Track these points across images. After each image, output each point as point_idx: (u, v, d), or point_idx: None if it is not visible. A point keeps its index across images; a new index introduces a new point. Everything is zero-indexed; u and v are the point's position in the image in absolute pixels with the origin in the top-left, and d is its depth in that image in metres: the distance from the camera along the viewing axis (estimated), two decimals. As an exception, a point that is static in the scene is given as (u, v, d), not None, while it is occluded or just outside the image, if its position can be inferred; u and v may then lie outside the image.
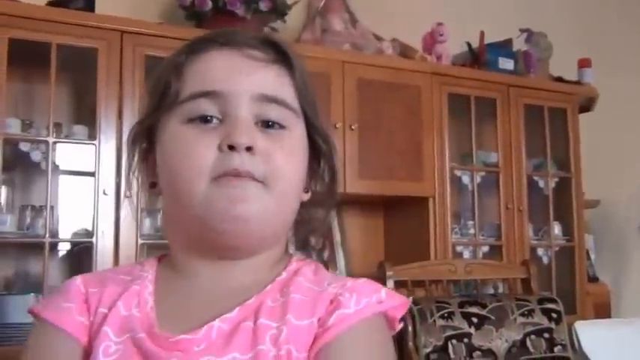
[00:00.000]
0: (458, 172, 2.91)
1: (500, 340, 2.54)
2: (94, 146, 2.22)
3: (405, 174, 2.71)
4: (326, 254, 2.83)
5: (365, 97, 2.64)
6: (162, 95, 0.72)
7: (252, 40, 0.74)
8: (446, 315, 2.49)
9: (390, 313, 0.70)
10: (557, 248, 3.07)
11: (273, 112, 0.71)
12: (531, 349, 2.58)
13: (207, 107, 0.70)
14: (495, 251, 2.95)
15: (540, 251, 3.06)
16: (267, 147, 0.70)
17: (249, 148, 0.69)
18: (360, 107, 2.63)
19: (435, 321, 2.46)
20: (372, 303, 0.68)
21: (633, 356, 2.79)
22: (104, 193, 2.21)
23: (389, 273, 2.56)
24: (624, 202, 3.29)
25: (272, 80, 0.72)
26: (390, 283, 2.55)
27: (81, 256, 2.30)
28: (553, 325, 2.64)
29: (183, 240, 0.74)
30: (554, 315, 2.66)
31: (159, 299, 0.72)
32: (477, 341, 2.50)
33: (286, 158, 0.71)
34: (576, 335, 2.77)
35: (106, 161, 2.23)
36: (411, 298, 0.73)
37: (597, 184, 3.31)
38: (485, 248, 2.94)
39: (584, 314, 3.03)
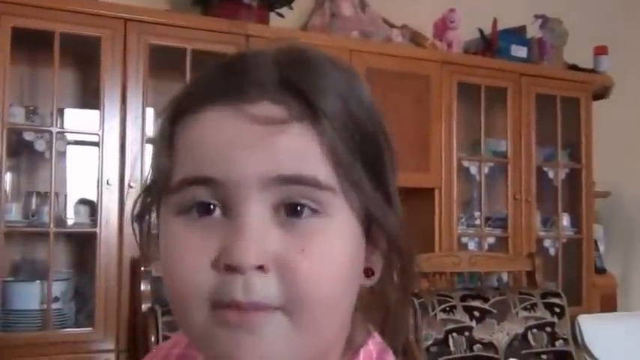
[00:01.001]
0: (465, 163, 2.88)
1: (501, 334, 2.55)
2: (97, 136, 2.23)
3: (412, 165, 2.69)
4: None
5: (373, 87, 2.57)
6: (156, 169, 0.55)
7: (262, 88, 0.50)
8: (447, 309, 2.49)
9: None
10: (564, 240, 3.05)
11: (298, 195, 0.50)
12: (532, 343, 2.58)
13: (202, 194, 0.50)
14: (502, 242, 2.93)
15: (547, 242, 3.03)
16: (286, 254, 0.49)
17: (260, 267, 0.49)
18: (368, 97, 2.60)
19: (436, 314, 2.46)
20: None
21: (635, 350, 2.78)
22: (108, 184, 2.22)
23: (392, 264, 2.56)
24: (636, 192, 3.25)
25: (291, 151, 0.49)
26: (393, 275, 2.55)
27: (85, 245, 2.32)
28: (555, 320, 2.64)
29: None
30: (557, 309, 2.65)
31: None
32: (477, 334, 2.51)
33: (318, 266, 0.49)
34: (579, 329, 2.77)
35: (109, 152, 2.24)
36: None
37: (610, 173, 3.27)
38: (492, 239, 2.93)
39: (590, 306, 3.02)
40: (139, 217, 0.57)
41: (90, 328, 2.20)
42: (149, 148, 2.30)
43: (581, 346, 2.74)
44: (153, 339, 2.06)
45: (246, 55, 0.53)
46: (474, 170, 2.90)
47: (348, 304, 0.54)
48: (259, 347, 0.49)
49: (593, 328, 2.79)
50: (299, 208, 0.49)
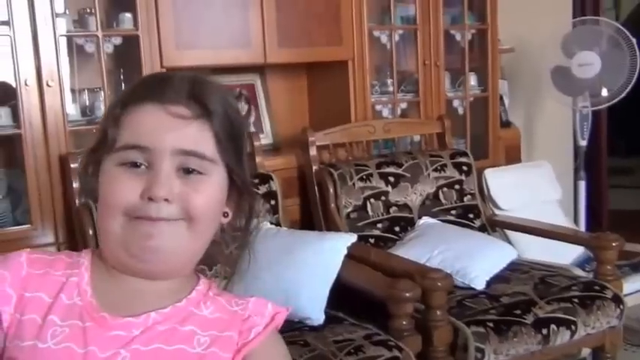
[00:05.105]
0: (376, 32, 2.96)
1: (414, 195, 2.79)
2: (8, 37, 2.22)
3: (324, 39, 2.76)
4: (252, 119, 2.95)
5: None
6: (104, 138, 0.85)
7: (179, 96, 0.84)
8: (364, 177, 2.69)
9: (278, 320, 0.91)
10: (472, 98, 3.25)
11: (192, 163, 0.83)
12: (443, 201, 2.84)
13: (136, 156, 0.82)
14: (414, 107, 3.10)
15: (456, 102, 3.22)
16: (184, 192, 0.82)
17: (166, 199, 0.81)
18: (276, -27, 2.61)
19: (354, 183, 2.66)
20: (270, 319, 0.89)
21: (530, 196, 3.10)
22: (26, 84, 2.23)
23: (311, 139, 2.71)
24: (538, 46, 3.42)
25: (192, 136, 0.83)
26: (313, 149, 2.71)
27: (11, 147, 2.37)
28: (463, 177, 2.89)
29: (110, 254, 0.86)
30: (464, 168, 2.90)
31: (96, 288, 0.86)
32: (393, 198, 2.74)
33: (202, 199, 0.83)
34: (485, 182, 3.05)
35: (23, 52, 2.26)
36: (289, 307, 0.94)
37: (513, 29, 3.42)
38: (404, 105, 3.09)
39: (496, 159, 3.28)
40: (85, 168, 0.89)
41: (28, 225, 2.31)
42: (63, 44, 2.32)
43: (487, 198, 3.03)
44: (91, 232, 2.19)
45: (172, 75, 0.88)
46: (384, 39, 3.00)
47: (214, 227, 0.89)
48: (158, 239, 0.82)
49: (497, 180, 3.07)
50: (191, 170, 0.83)
